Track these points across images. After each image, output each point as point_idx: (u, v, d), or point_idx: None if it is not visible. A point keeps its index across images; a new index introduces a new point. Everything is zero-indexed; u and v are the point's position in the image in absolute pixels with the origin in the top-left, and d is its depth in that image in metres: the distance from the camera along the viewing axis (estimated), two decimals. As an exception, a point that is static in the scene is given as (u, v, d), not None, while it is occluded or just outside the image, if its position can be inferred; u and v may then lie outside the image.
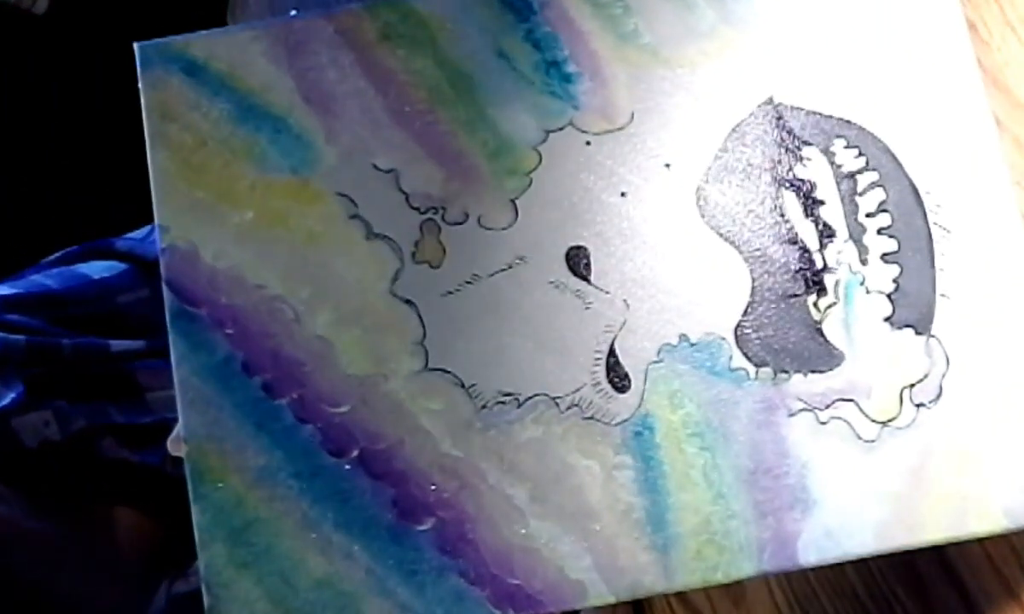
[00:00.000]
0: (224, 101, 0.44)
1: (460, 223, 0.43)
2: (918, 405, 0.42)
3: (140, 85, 0.45)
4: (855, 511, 0.41)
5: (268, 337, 0.43)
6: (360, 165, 0.44)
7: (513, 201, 0.44)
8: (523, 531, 0.41)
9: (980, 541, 0.48)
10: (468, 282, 0.43)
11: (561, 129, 0.44)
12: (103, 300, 0.56)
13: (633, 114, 0.44)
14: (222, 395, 0.42)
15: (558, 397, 0.42)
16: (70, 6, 0.74)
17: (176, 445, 0.42)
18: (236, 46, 0.45)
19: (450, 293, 0.43)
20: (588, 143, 0.44)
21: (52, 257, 0.60)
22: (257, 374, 0.42)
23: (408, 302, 0.43)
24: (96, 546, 0.51)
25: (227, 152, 0.44)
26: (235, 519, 0.41)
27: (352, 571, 0.41)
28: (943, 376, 0.42)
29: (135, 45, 0.45)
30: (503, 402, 0.42)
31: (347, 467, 0.42)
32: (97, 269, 0.58)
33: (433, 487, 0.41)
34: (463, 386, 0.42)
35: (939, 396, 0.42)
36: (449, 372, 0.42)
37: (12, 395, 0.50)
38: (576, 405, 0.42)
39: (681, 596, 0.52)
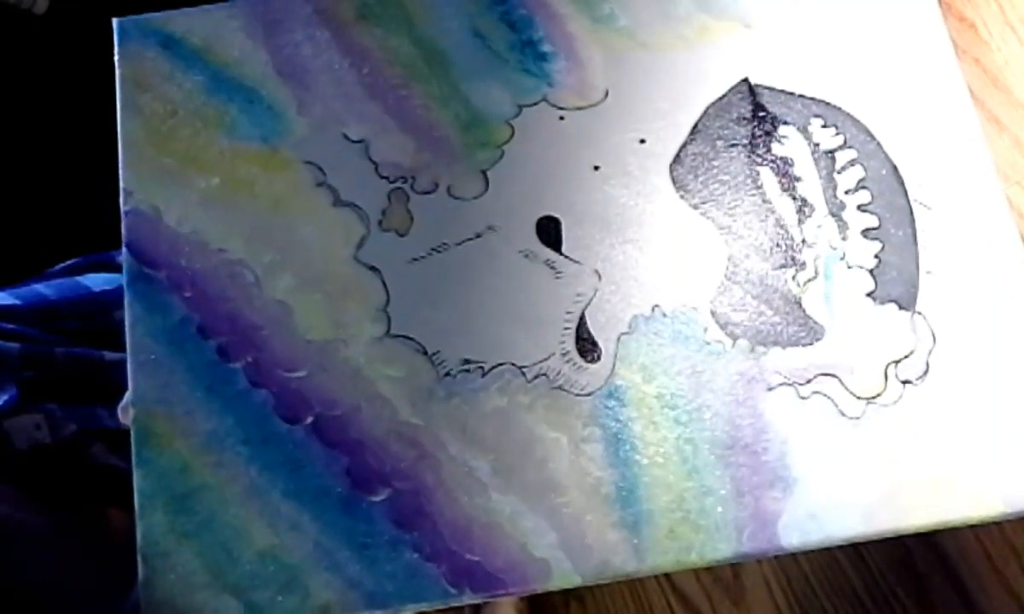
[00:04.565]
0: (198, 73, 0.46)
1: (429, 192, 0.44)
2: (904, 382, 0.41)
3: (116, 58, 0.47)
4: (840, 491, 0.40)
5: (226, 300, 0.43)
6: (330, 135, 0.45)
7: (484, 172, 0.45)
8: (484, 505, 0.40)
9: (980, 541, 0.46)
10: (435, 250, 0.43)
11: (535, 104, 0.46)
12: (100, 314, 0.58)
13: (608, 92, 0.46)
14: (175, 358, 0.42)
15: (525, 366, 0.42)
16: (70, 6, 0.78)
17: (126, 413, 0.42)
18: (214, 22, 0.47)
19: (416, 260, 0.43)
20: (562, 118, 0.45)
21: (56, 268, 0.63)
22: (212, 337, 0.42)
23: (372, 268, 0.43)
24: (83, 539, 0.52)
25: (197, 121, 0.46)
26: (178, 485, 0.40)
27: (299, 543, 0.40)
28: (929, 353, 0.42)
29: (114, 21, 0.47)
30: (467, 370, 0.42)
31: (300, 434, 0.41)
32: (98, 281, 0.61)
33: (390, 457, 0.41)
34: (425, 353, 0.42)
35: (926, 373, 0.41)
36: (411, 339, 0.42)
37: (5, 397, 0.51)
38: (543, 375, 0.42)
39: (681, 595, 0.50)
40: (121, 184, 0.45)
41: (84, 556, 0.52)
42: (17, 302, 0.57)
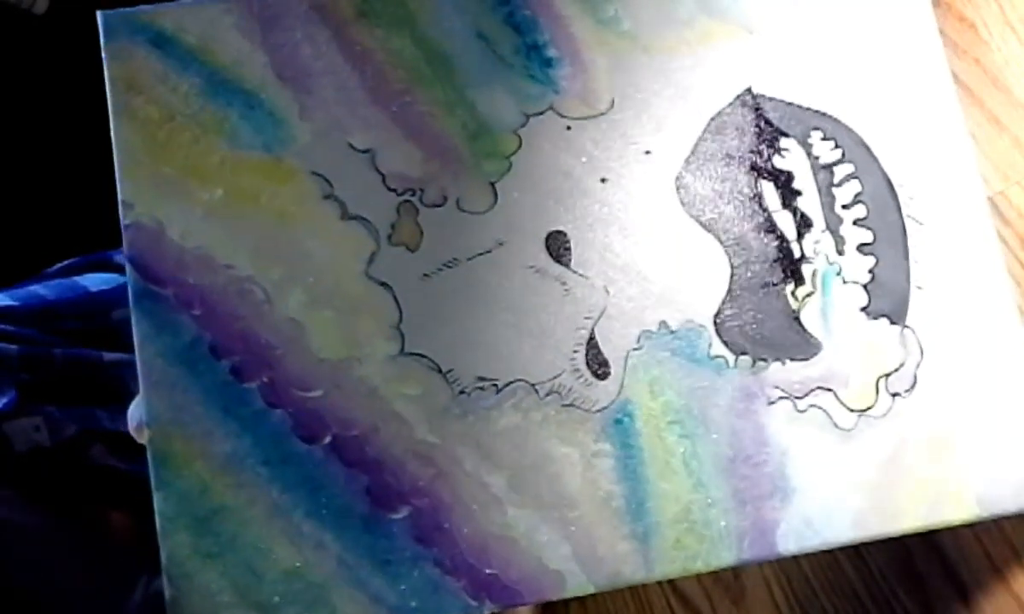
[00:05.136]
0: (193, 75, 0.45)
1: (438, 205, 0.45)
2: (894, 395, 0.44)
3: (104, 56, 0.45)
4: (833, 500, 0.43)
5: (237, 319, 0.43)
6: (335, 144, 0.45)
7: (492, 184, 0.45)
8: (501, 520, 0.42)
9: (980, 541, 0.50)
10: (446, 265, 0.44)
11: (541, 113, 0.46)
12: (98, 315, 0.58)
13: (613, 100, 0.46)
14: (188, 378, 0.43)
15: (537, 383, 0.43)
16: (70, 6, 0.76)
17: (140, 434, 0.42)
18: (207, 18, 0.46)
19: (427, 276, 0.44)
20: (568, 128, 0.46)
21: (54, 268, 0.63)
22: (225, 357, 0.43)
23: (384, 285, 0.44)
24: (83, 540, 0.53)
25: (196, 127, 0.45)
26: (200, 507, 0.42)
27: (323, 561, 0.41)
28: (918, 366, 0.44)
29: (98, 13, 0.46)
30: (481, 388, 0.43)
31: (319, 454, 0.42)
32: (95, 281, 0.61)
33: (408, 475, 0.42)
34: (440, 371, 0.43)
35: (914, 386, 0.44)
36: (426, 357, 0.43)
37: (4, 400, 0.51)
38: (555, 392, 0.43)
39: (681, 596, 0.53)
40: (120, 196, 0.44)
41: (85, 557, 0.53)
42: (15, 303, 0.56)
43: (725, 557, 0.43)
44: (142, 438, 0.43)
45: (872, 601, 0.51)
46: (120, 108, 0.45)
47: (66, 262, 0.62)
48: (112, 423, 0.55)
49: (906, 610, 0.51)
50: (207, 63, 0.45)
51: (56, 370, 0.55)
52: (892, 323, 0.45)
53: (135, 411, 0.44)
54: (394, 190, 0.45)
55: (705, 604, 0.53)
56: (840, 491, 0.43)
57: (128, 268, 0.43)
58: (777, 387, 0.44)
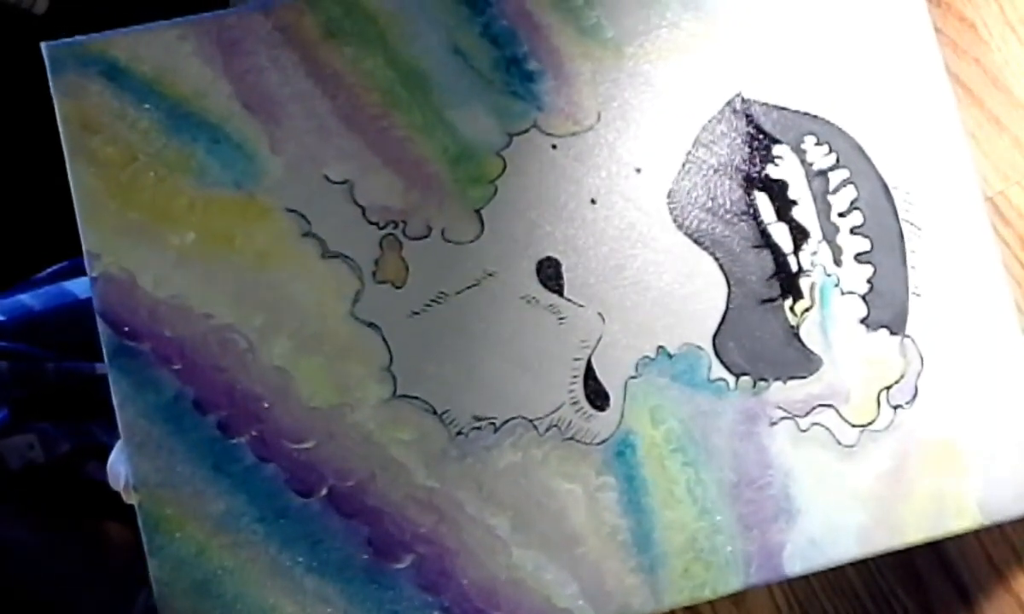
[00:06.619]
0: (153, 109, 0.43)
1: (423, 237, 0.44)
2: (895, 407, 0.45)
3: (52, 92, 0.43)
4: (837, 518, 0.44)
5: (220, 371, 0.42)
6: (310, 176, 0.44)
7: (478, 212, 0.44)
8: (506, 562, 0.43)
9: (980, 542, 0.52)
10: (434, 301, 0.43)
11: (525, 132, 0.45)
12: (87, 321, 0.57)
13: (600, 114, 0.45)
14: (173, 437, 0.42)
15: (536, 419, 0.43)
16: (70, 6, 0.75)
17: (127, 493, 0.42)
18: (162, 46, 0.44)
19: (416, 314, 0.43)
20: (554, 146, 0.45)
21: (42, 274, 0.62)
22: (211, 412, 0.42)
23: (371, 325, 0.43)
24: (82, 555, 0.55)
25: (160, 166, 0.43)
26: (197, 571, 0.41)
27: (328, 616, 0.41)
28: (918, 376, 0.45)
29: (42, 45, 0.43)
30: (479, 427, 0.43)
31: (316, 507, 0.42)
32: (84, 287, 0.59)
33: (409, 522, 0.42)
34: (435, 413, 0.43)
35: (915, 396, 0.45)
36: (419, 399, 0.43)
37: None
38: (555, 426, 0.43)
39: None
40: (84, 246, 0.43)
41: (85, 572, 0.53)
42: (2, 318, 0.56)
43: (733, 583, 0.43)
44: (130, 499, 0.42)
45: (872, 600, 0.53)
46: (76, 150, 0.43)
47: (54, 267, 0.61)
48: (106, 437, 0.55)
49: (906, 610, 0.53)
50: (166, 95, 0.44)
51: (49, 385, 0.54)
52: (892, 333, 0.45)
53: (116, 465, 0.44)
54: (375, 223, 0.44)
55: (705, 604, 0.54)
56: (844, 508, 0.44)
57: (100, 324, 0.42)
58: (779, 407, 0.44)
